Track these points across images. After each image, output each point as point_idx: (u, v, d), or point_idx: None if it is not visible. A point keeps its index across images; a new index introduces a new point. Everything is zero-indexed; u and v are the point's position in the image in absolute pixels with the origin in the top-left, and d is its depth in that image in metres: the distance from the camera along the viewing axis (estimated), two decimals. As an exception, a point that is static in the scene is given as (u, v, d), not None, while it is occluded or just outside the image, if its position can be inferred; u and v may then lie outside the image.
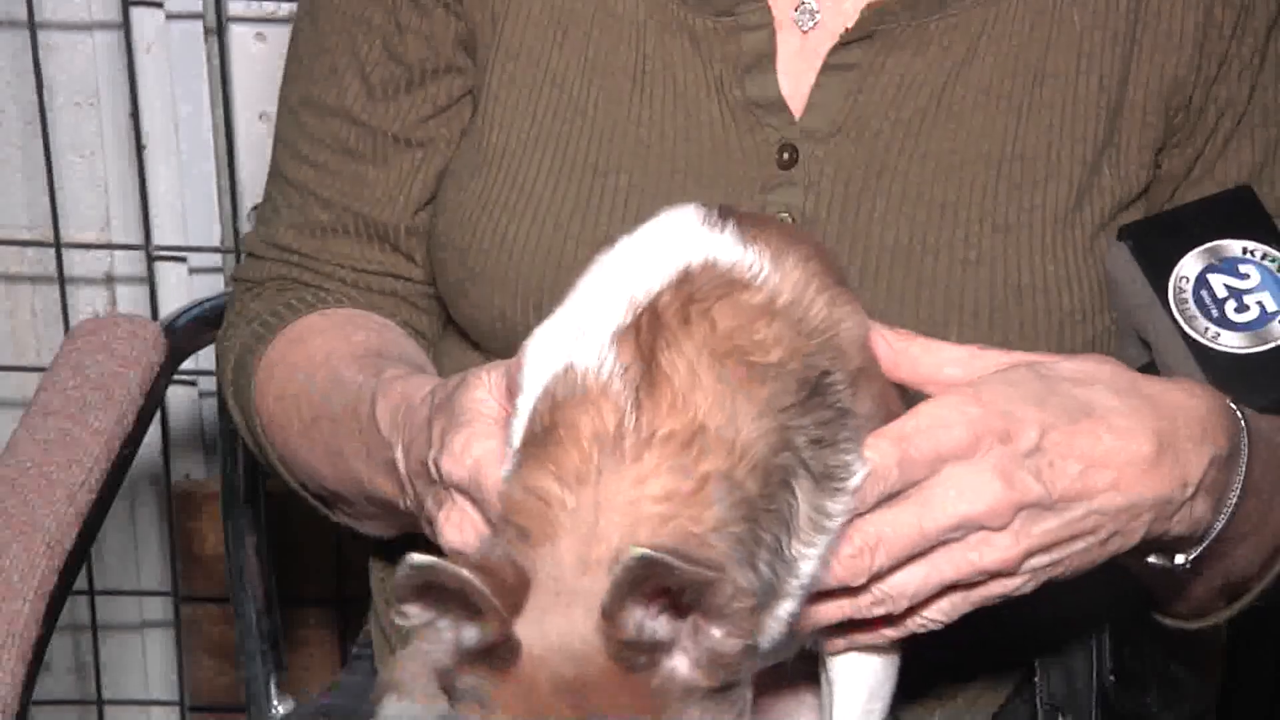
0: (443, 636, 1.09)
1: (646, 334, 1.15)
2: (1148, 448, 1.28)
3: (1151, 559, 1.36)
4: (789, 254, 1.21)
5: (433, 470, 1.28)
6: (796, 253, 1.21)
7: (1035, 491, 1.24)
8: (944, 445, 1.22)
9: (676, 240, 1.20)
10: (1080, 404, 1.27)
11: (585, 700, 1.10)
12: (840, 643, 1.30)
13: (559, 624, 1.10)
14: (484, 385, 1.27)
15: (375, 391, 1.41)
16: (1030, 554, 1.26)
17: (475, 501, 1.25)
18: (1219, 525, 1.36)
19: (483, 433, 1.25)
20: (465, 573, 1.05)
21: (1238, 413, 1.37)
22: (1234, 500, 1.36)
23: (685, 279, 1.17)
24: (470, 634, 1.08)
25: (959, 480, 1.22)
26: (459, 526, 1.28)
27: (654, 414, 1.13)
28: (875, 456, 1.21)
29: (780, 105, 1.48)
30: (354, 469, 1.47)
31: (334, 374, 1.51)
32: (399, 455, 1.35)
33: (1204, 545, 1.36)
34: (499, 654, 1.08)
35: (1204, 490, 1.32)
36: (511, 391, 1.24)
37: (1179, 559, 1.37)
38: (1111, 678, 1.50)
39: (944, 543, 1.24)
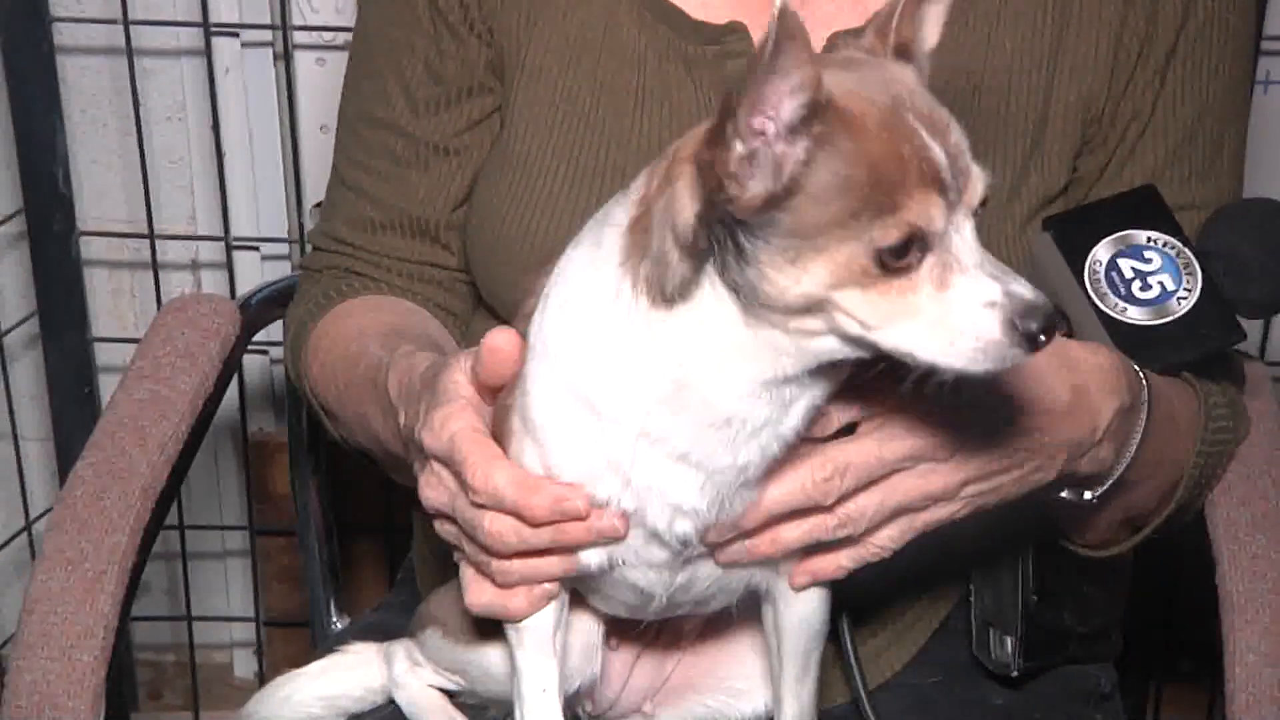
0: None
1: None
2: (1065, 397, 1.29)
3: (1064, 494, 1.37)
4: None
5: (417, 440, 1.28)
6: None
7: (974, 429, 1.25)
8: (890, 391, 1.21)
9: None
10: None
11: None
12: (803, 577, 1.30)
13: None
14: (460, 369, 1.27)
15: (389, 365, 1.40)
16: (968, 482, 1.27)
17: (451, 471, 1.25)
18: (1121, 467, 1.37)
19: (457, 412, 1.24)
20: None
21: (1139, 373, 1.37)
22: (1134, 446, 1.37)
23: None
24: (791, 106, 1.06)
25: (905, 424, 1.23)
26: (435, 489, 1.27)
27: None
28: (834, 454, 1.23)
29: (760, 122, 1.47)
30: (374, 429, 1.47)
31: (363, 348, 1.50)
32: (402, 421, 1.35)
33: (1108, 484, 1.37)
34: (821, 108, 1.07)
35: (1110, 436, 1.33)
36: (478, 377, 1.25)
37: (1086, 495, 1.38)
38: (1034, 596, 1.49)
39: (896, 471, 1.24)
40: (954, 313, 1.08)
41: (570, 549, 1.24)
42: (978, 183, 1.11)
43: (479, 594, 1.28)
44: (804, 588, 1.31)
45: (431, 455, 1.26)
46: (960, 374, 1.09)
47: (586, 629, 1.38)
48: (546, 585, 1.26)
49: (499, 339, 1.23)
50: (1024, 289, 1.08)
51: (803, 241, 1.08)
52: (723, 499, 1.21)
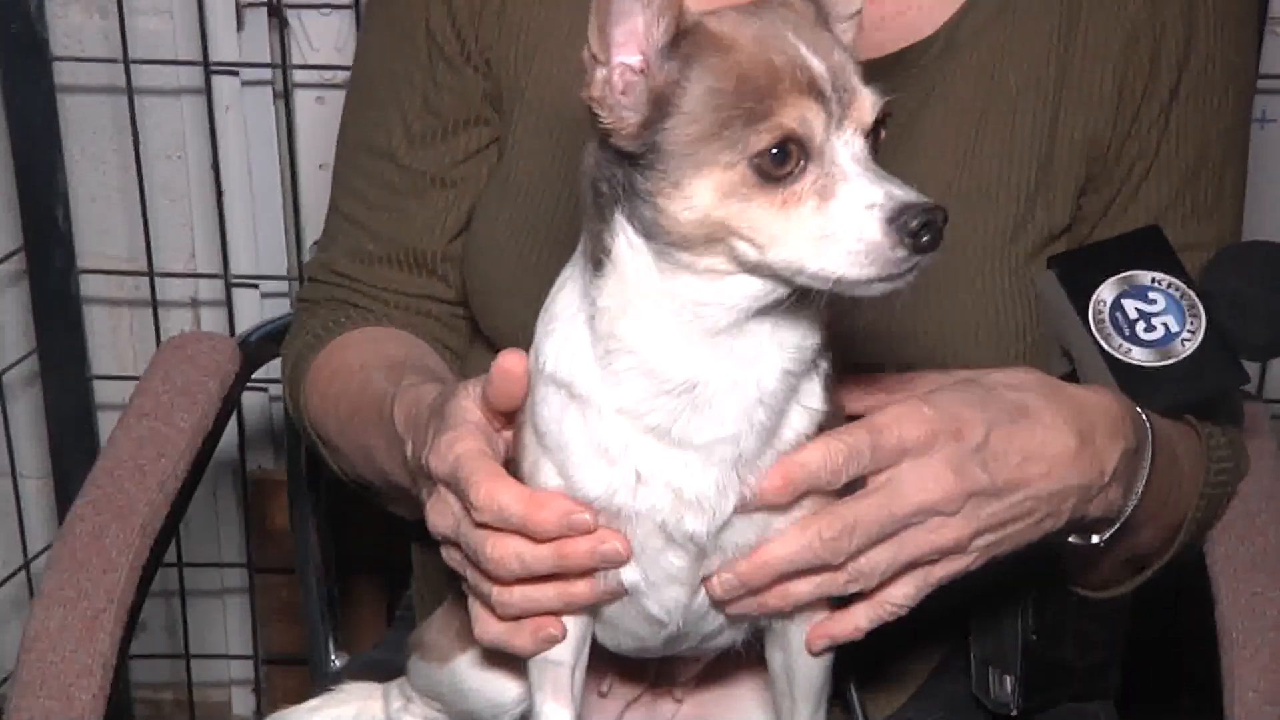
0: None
1: None
2: (1072, 442, 1.28)
3: (1072, 538, 1.36)
4: None
5: (424, 466, 1.26)
6: None
7: (982, 480, 1.23)
8: (907, 439, 1.21)
9: None
10: (1016, 406, 1.27)
11: None
12: (820, 641, 1.29)
13: None
14: (468, 395, 1.26)
15: (395, 397, 1.39)
16: (979, 534, 1.25)
17: (456, 493, 1.23)
18: (1129, 508, 1.36)
19: (465, 435, 1.23)
20: None
21: (1142, 414, 1.37)
22: (1141, 487, 1.36)
23: None
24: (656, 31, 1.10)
25: (919, 472, 1.22)
26: (441, 514, 1.26)
27: None
28: (852, 440, 1.20)
29: (763, 153, 1.47)
30: (378, 460, 1.46)
31: (366, 380, 1.49)
32: (409, 451, 1.34)
33: (1116, 526, 1.36)
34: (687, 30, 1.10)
35: (1117, 478, 1.32)
36: (490, 402, 1.24)
37: (1095, 538, 1.37)
38: (1034, 635, 1.48)
39: (906, 526, 1.23)
40: (835, 219, 1.09)
41: (573, 573, 1.22)
42: (865, 100, 1.11)
43: (486, 627, 1.27)
44: (821, 652, 1.30)
45: (438, 479, 1.24)
46: (852, 284, 1.09)
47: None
48: (551, 629, 1.24)
49: (509, 361, 1.22)
50: (903, 191, 1.09)
51: (684, 160, 1.09)
52: (727, 485, 1.19)
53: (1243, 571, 1.49)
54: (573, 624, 1.26)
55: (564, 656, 1.27)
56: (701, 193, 1.09)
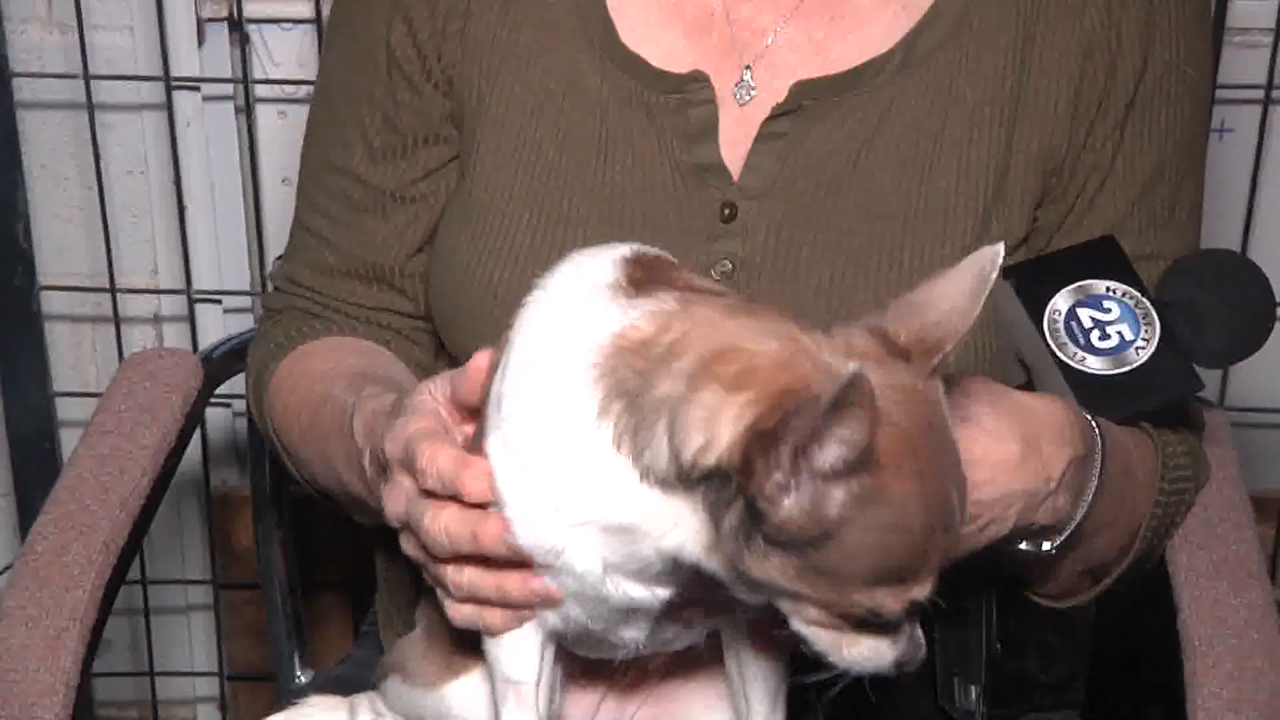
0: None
1: None
2: (1016, 449, 1.29)
3: (1023, 546, 1.37)
4: None
5: (380, 456, 1.26)
6: None
7: None
8: None
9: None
10: (961, 412, 1.27)
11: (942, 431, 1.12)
12: (764, 647, 1.30)
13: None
14: (427, 390, 1.26)
15: (355, 407, 1.39)
16: None
17: (407, 470, 1.22)
18: (1078, 516, 1.36)
19: (419, 419, 1.23)
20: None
21: (1092, 422, 1.38)
22: (1090, 495, 1.37)
23: None
24: (831, 453, 1.05)
25: None
26: (394, 498, 1.25)
27: None
28: None
29: (721, 169, 1.48)
30: (337, 469, 1.46)
31: (327, 390, 1.49)
32: (366, 461, 1.34)
33: (1066, 534, 1.37)
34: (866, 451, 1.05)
35: (1064, 486, 1.33)
36: (456, 394, 1.23)
37: (1045, 546, 1.37)
38: (998, 645, 1.49)
39: None
40: (869, 654, 1.14)
41: (494, 561, 1.20)
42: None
43: (457, 608, 1.26)
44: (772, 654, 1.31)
45: (393, 461, 1.24)
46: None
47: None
48: (533, 584, 1.22)
49: (483, 358, 1.22)
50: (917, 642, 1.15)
51: (814, 575, 1.08)
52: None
53: (1204, 579, 1.50)
54: (534, 643, 1.25)
55: (528, 675, 1.26)
56: (805, 603, 1.11)
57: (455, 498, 1.19)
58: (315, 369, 1.55)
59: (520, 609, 1.23)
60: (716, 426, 1.08)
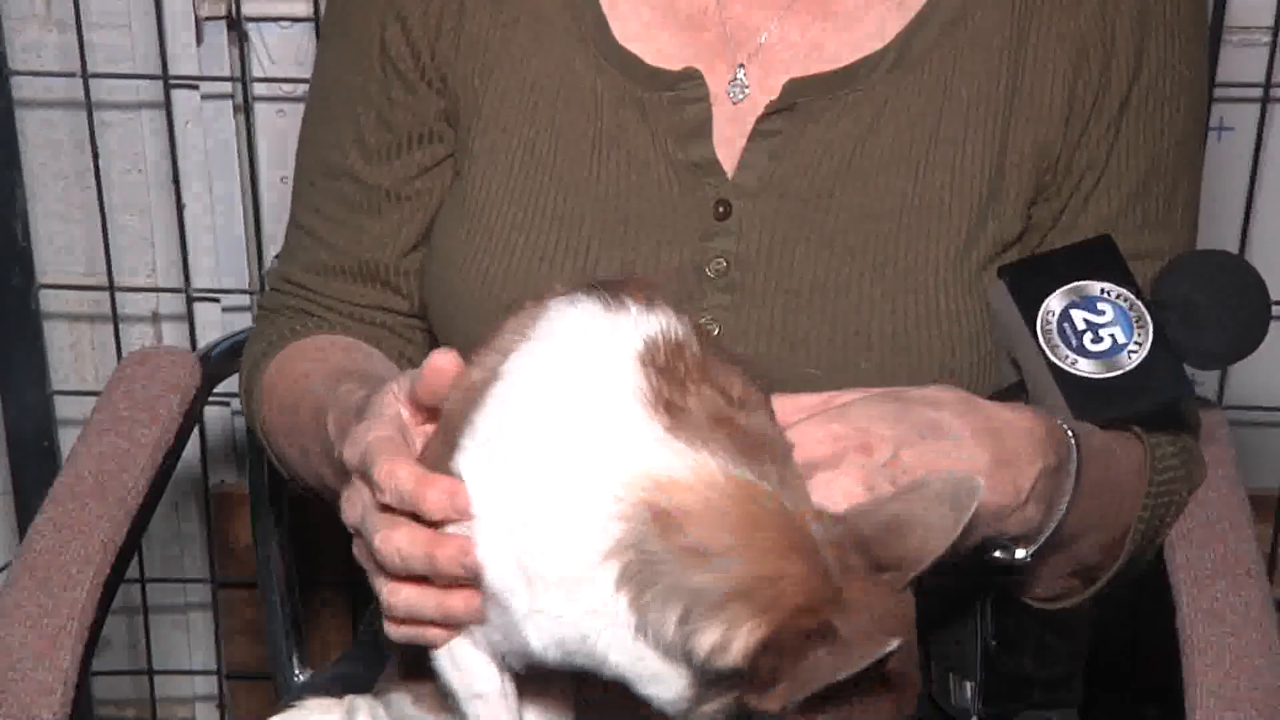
0: None
1: None
2: (985, 460, 1.28)
3: (997, 554, 1.36)
4: None
5: (339, 458, 1.25)
6: None
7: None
8: (813, 453, 1.21)
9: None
10: (930, 423, 1.27)
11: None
12: None
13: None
14: (392, 391, 1.25)
15: (330, 404, 1.39)
16: None
17: (364, 479, 1.21)
18: (1050, 526, 1.36)
19: (379, 425, 1.21)
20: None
21: (1068, 431, 1.37)
22: (1064, 505, 1.36)
23: None
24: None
25: (827, 485, 1.21)
26: (351, 505, 1.23)
27: None
28: None
29: (716, 167, 1.48)
30: (316, 466, 1.47)
31: (309, 388, 1.49)
32: (337, 454, 1.31)
33: (1038, 544, 1.36)
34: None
35: (1034, 497, 1.32)
36: (417, 397, 1.22)
37: (1019, 554, 1.37)
38: (993, 642, 1.49)
39: None
40: None
41: (445, 579, 1.18)
42: None
43: (395, 627, 1.23)
44: None
45: (351, 468, 1.22)
46: None
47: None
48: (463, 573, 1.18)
49: (442, 360, 1.20)
50: None
51: None
52: None
53: (1203, 578, 1.50)
54: (484, 653, 1.22)
55: (489, 684, 1.23)
56: None
57: (413, 514, 1.17)
58: (300, 368, 1.55)
59: (454, 616, 1.19)
60: (734, 637, 1.07)
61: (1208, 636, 1.45)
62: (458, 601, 1.18)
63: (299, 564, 1.96)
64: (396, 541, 1.17)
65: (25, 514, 2.44)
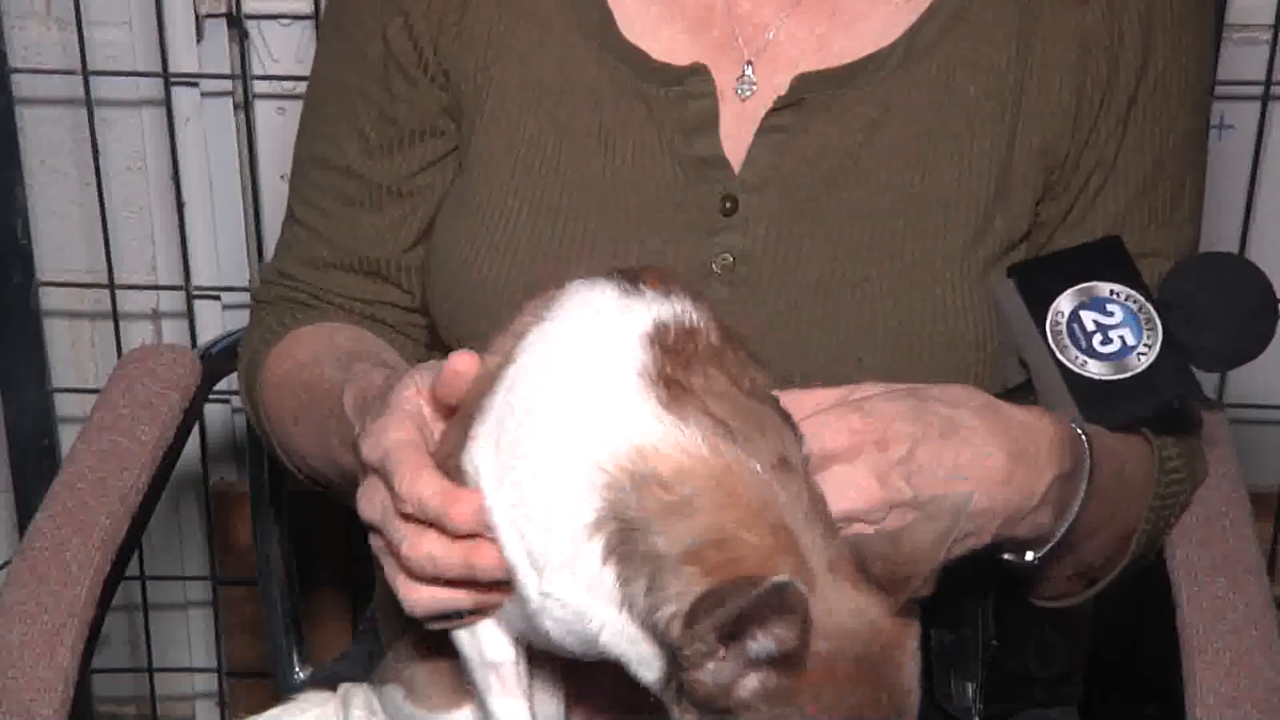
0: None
1: None
2: (1002, 462, 1.28)
3: (1006, 556, 1.36)
4: None
5: (357, 452, 1.25)
6: None
7: (905, 493, 1.23)
8: (830, 446, 1.21)
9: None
10: (947, 422, 1.27)
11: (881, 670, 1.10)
12: None
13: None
14: (413, 385, 1.24)
15: (345, 384, 1.39)
16: None
17: (384, 480, 1.21)
18: (1060, 530, 1.35)
19: (398, 424, 1.21)
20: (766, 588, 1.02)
21: (1081, 435, 1.37)
22: (1075, 510, 1.36)
23: None
24: (762, 644, 1.05)
25: (842, 480, 1.21)
26: (369, 501, 1.24)
27: None
28: None
29: (722, 162, 1.47)
30: (330, 449, 1.45)
31: (319, 370, 1.49)
32: (356, 433, 1.31)
33: (1048, 546, 1.36)
34: (794, 656, 1.05)
35: (1047, 502, 1.32)
36: (437, 393, 1.22)
37: (1029, 556, 1.37)
38: (994, 641, 1.48)
39: None
40: None
41: (478, 583, 1.19)
42: None
43: (418, 589, 1.23)
44: None
45: (369, 466, 1.23)
46: None
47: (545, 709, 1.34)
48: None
49: (461, 364, 1.20)
50: None
51: None
52: None
53: (1203, 576, 1.50)
54: (502, 625, 1.23)
55: (505, 654, 1.24)
56: None
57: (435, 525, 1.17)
58: (305, 353, 1.55)
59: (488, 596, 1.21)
60: (686, 600, 1.08)
61: (1208, 635, 1.45)
62: (496, 600, 1.19)
63: (299, 562, 1.96)
64: (427, 548, 1.18)
65: (25, 512, 2.43)
